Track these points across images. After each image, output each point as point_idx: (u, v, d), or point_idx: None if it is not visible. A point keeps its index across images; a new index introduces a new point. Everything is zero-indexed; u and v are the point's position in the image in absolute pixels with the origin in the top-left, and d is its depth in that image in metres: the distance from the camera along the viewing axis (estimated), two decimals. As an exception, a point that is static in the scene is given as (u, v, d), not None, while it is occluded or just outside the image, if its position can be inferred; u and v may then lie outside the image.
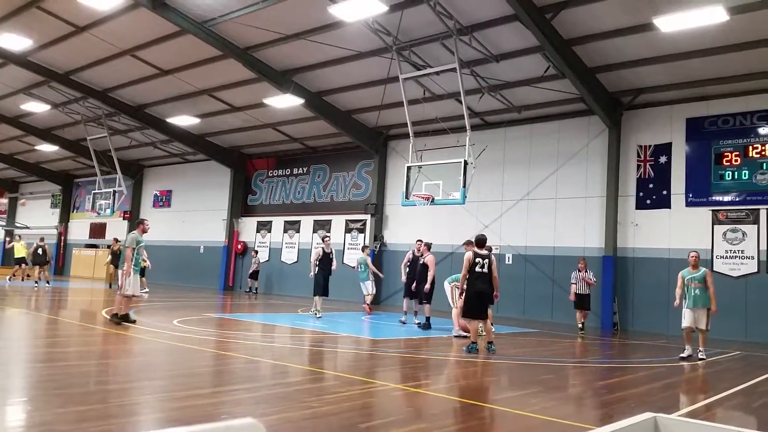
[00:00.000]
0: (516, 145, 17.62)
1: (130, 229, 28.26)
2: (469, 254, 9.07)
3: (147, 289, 18.19)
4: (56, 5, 14.94)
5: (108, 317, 10.72)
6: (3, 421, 4.41)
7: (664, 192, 14.99)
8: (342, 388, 6.13)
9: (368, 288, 15.04)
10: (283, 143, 22.93)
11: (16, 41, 16.50)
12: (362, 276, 14.93)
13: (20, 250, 24.87)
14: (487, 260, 9.02)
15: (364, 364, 8.03)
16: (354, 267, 16.15)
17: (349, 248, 21.15)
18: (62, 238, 32.01)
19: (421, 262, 12.39)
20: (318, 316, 13.30)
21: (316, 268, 13.48)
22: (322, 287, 13.43)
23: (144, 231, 10.99)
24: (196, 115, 20.92)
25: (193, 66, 17.40)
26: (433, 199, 14.20)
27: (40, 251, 20.38)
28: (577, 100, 15.52)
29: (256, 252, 23.15)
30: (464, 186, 13.35)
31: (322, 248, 13.64)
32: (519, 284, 16.76)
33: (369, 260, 14.85)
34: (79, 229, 31.93)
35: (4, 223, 36.08)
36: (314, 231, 22.48)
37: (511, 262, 17.07)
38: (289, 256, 22.93)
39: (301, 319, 13.27)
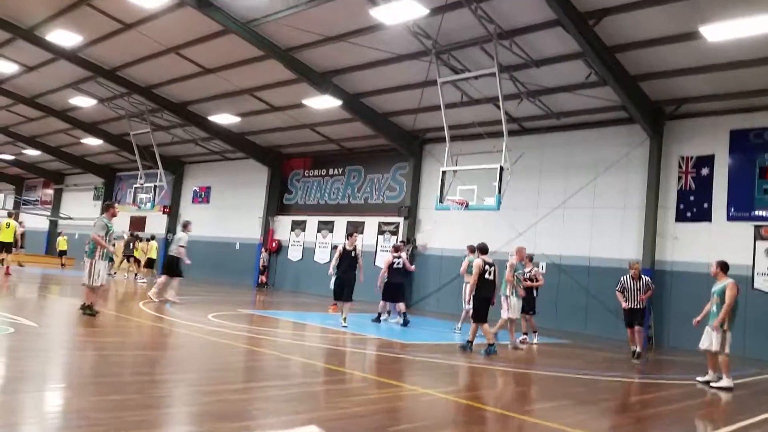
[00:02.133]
0: (553, 153, 17.39)
1: (170, 224, 29.23)
2: (479, 261, 9.61)
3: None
4: (106, 3, 15.38)
5: (85, 312, 9.74)
6: (42, 407, 4.58)
7: (705, 205, 14.58)
8: (371, 390, 6.17)
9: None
10: (320, 144, 23.14)
11: (67, 37, 17.04)
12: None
13: (62, 243, 25.99)
14: (493, 268, 9.71)
15: (394, 368, 8.05)
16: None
17: (381, 250, 21.20)
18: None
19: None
20: (343, 324, 11.58)
21: (335, 269, 12.05)
22: (337, 291, 11.90)
23: (113, 215, 10.25)
24: (236, 114, 21.27)
25: (235, 65, 17.70)
26: (467, 204, 14.12)
27: (130, 245, 21.51)
28: (618, 108, 15.24)
29: (266, 249, 23.65)
30: (499, 192, 13.23)
31: (344, 246, 12.06)
32: (552, 294, 16.49)
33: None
34: (119, 221, 32.76)
35: (49, 214, 37.30)
36: (347, 231, 22.58)
37: (544, 270, 16.82)
38: (321, 256, 23.10)
39: (331, 318, 13.37)
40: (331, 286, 12.22)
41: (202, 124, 22.42)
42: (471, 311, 9.85)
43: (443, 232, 18.98)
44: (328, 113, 19.35)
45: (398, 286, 13.42)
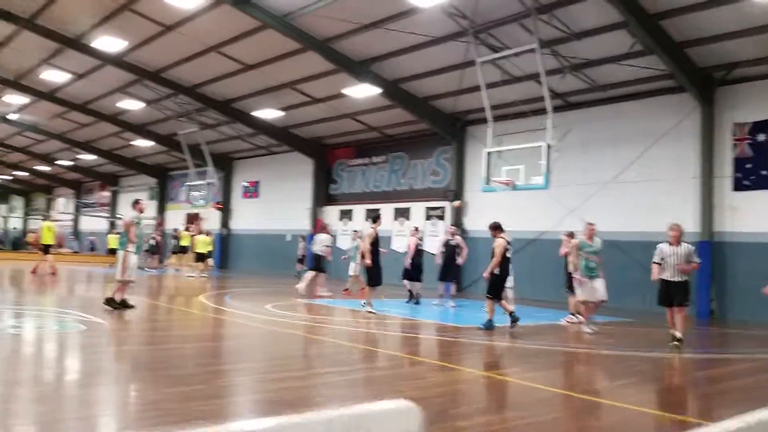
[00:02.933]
0: (601, 126, 16.96)
1: (223, 219, 30.02)
2: (502, 241, 9.89)
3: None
4: (146, 6, 15.81)
5: (112, 306, 9.85)
6: (119, 399, 4.84)
7: (764, 172, 13.99)
8: (430, 373, 6.25)
9: (351, 269, 15.65)
10: (362, 132, 23.24)
11: (113, 43, 17.59)
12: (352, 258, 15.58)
13: (113, 241, 27.27)
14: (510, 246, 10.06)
15: (451, 351, 8.11)
16: (435, 254, 16.12)
17: (429, 235, 21.20)
18: (160, 227, 34.03)
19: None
20: (368, 309, 11.41)
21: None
22: (371, 276, 11.76)
23: (141, 211, 10.39)
24: (279, 108, 21.58)
25: (275, 60, 17.93)
26: (514, 184, 13.98)
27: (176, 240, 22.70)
28: (666, 76, 14.73)
29: (303, 238, 23.88)
30: (547, 170, 13.05)
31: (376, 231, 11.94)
32: (608, 271, 16.11)
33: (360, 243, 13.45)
34: (175, 219, 33.84)
35: (107, 215, 38.79)
36: (395, 218, 22.72)
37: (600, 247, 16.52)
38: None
39: (385, 305, 13.52)
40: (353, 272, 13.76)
41: (246, 120, 22.84)
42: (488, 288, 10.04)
43: (490, 213, 18.79)
44: (368, 101, 19.40)
45: (418, 267, 14.40)
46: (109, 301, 9.88)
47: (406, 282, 14.46)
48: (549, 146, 13.03)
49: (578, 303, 10.42)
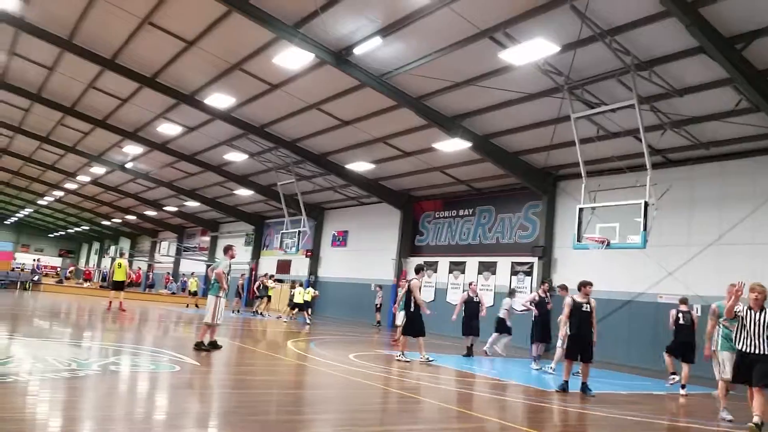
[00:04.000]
0: (704, 185, 16.12)
1: (312, 266, 30.88)
2: (569, 300, 10.05)
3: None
4: (255, 67, 17.00)
5: (202, 348, 10.43)
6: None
7: None
8: (513, 438, 6.03)
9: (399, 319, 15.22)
10: (450, 185, 23.38)
11: (223, 100, 19.00)
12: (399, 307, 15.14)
13: (193, 284, 28.68)
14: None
15: (536, 416, 7.79)
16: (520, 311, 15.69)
17: (517, 290, 20.72)
18: (253, 273, 35.42)
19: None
20: (428, 359, 11.99)
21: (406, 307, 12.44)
22: (415, 328, 12.20)
23: (232, 257, 10.94)
24: (371, 161, 22.23)
25: (370, 116, 18.61)
26: (608, 242, 13.48)
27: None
28: (776, 134, 13.90)
29: (380, 287, 24.19)
30: (644, 229, 12.51)
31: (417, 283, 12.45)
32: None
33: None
34: (267, 265, 35.17)
35: (206, 259, 40.93)
36: (479, 272, 22.43)
37: (700, 313, 15.43)
38: (453, 297, 23.02)
39: (467, 362, 13.24)
40: (400, 322, 13.35)
41: (339, 172, 23.66)
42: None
43: (582, 270, 18.13)
44: (457, 155, 19.59)
45: (471, 320, 14.67)
46: (199, 345, 10.49)
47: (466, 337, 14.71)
48: (647, 204, 12.53)
49: (721, 384, 8.51)
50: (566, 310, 9.96)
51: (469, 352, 14.32)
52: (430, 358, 12.11)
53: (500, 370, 12.49)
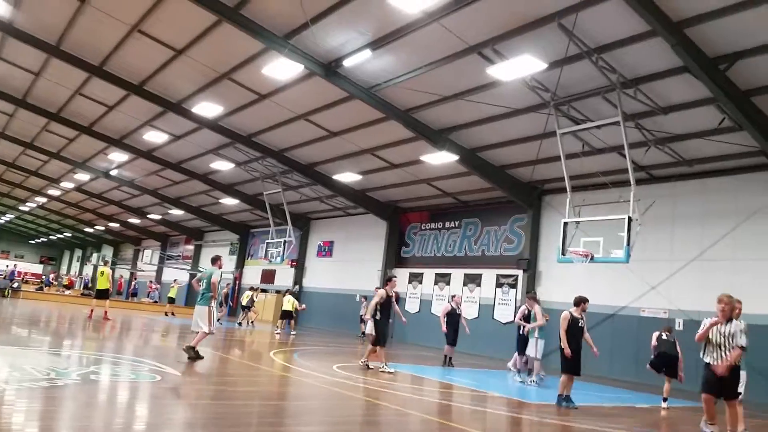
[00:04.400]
0: (687, 201, 16.35)
1: (297, 276, 30.74)
2: (566, 314, 9.94)
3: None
4: (244, 76, 16.99)
5: (189, 355, 10.49)
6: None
7: None
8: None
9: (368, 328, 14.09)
10: (437, 197, 23.47)
11: (210, 108, 18.94)
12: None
13: (173, 291, 28.51)
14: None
15: (520, 429, 7.79)
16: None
17: (500, 303, 20.81)
18: (237, 282, 35.18)
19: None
20: (388, 370, 11.88)
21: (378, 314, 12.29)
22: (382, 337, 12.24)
23: (220, 267, 11.21)
24: (358, 172, 22.26)
25: (358, 128, 18.65)
26: (592, 256, 13.59)
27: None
28: (757, 153, 14.14)
29: (365, 298, 24.05)
30: (628, 244, 12.64)
31: (385, 291, 12.41)
32: (693, 354, 15.16)
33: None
34: (252, 274, 34.95)
35: (189, 267, 40.59)
36: (464, 284, 22.49)
37: (682, 328, 15.59)
38: (438, 308, 23.01)
39: (451, 373, 13.23)
40: (369, 331, 12.99)
41: (326, 182, 23.65)
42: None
43: (566, 284, 18.27)
44: (444, 168, 19.68)
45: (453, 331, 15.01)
46: (191, 349, 10.53)
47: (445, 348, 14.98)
48: (631, 219, 12.67)
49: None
50: (564, 325, 9.76)
51: (447, 362, 14.74)
52: (390, 370, 11.94)
53: (481, 381, 12.48)
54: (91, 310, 19.23)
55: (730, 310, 7.19)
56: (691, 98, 13.05)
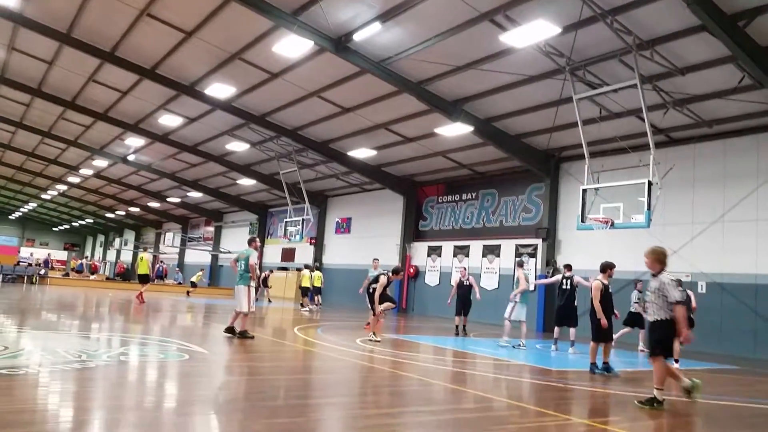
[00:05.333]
0: (707, 163, 16.10)
1: (316, 253, 30.99)
2: (598, 283, 9.59)
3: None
4: (255, 56, 16.95)
5: (236, 334, 10.92)
6: (216, 427, 5.10)
7: None
8: (523, 418, 6.10)
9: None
10: (453, 170, 23.38)
11: (223, 89, 18.98)
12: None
13: (198, 277, 29.20)
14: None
15: (542, 395, 7.86)
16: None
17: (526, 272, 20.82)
18: (258, 261, 35.61)
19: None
20: (377, 339, 11.94)
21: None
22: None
23: (256, 248, 11.29)
24: (373, 148, 22.22)
25: (371, 102, 18.57)
26: (612, 222, 13.50)
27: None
28: (780, 110, 13.84)
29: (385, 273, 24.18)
30: (649, 208, 12.53)
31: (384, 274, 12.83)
32: (714, 316, 15.13)
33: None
34: (272, 253, 35.29)
35: (210, 248, 41.08)
36: (483, 255, 22.49)
37: (704, 290, 15.51)
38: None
39: (472, 344, 13.33)
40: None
41: (342, 159, 23.67)
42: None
43: (586, 251, 18.20)
44: (459, 139, 19.56)
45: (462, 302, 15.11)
46: (231, 330, 10.93)
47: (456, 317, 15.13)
48: (651, 183, 12.53)
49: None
50: (598, 294, 9.48)
51: (459, 332, 14.93)
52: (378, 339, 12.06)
53: (505, 351, 12.56)
54: (140, 293, 19.79)
55: (650, 263, 7.03)
56: (709, 57, 12.77)
